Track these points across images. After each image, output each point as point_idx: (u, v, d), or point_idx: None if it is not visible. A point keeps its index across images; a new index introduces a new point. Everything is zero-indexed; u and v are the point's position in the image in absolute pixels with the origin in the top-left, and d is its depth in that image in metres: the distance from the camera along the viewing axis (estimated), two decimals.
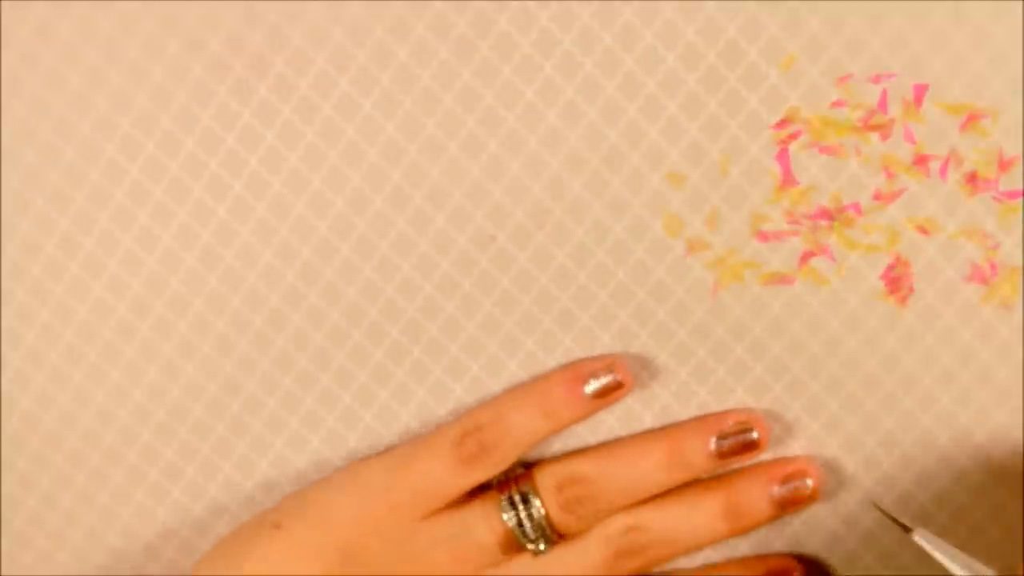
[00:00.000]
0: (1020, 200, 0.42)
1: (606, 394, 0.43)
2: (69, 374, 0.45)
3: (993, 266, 0.42)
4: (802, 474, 0.44)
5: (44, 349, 0.45)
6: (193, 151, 0.43)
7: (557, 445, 0.45)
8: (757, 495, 0.44)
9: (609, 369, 0.43)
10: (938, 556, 0.39)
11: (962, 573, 0.39)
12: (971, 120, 0.41)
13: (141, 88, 0.42)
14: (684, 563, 0.46)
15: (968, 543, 0.46)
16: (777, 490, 0.44)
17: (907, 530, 0.41)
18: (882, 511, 0.44)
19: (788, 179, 0.42)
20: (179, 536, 0.47)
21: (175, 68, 0.42)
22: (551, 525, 0.43)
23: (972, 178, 0.41)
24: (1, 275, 0.44)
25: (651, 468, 0.44)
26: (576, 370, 0.44)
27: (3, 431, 0.46)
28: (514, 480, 0.44)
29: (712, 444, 0.44)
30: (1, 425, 0.46)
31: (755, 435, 0.44)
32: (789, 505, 0.44)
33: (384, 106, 0.42)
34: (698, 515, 0.44)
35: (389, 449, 0.45)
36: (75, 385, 0.45)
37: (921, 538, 0.40)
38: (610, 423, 0.45)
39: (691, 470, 0.44)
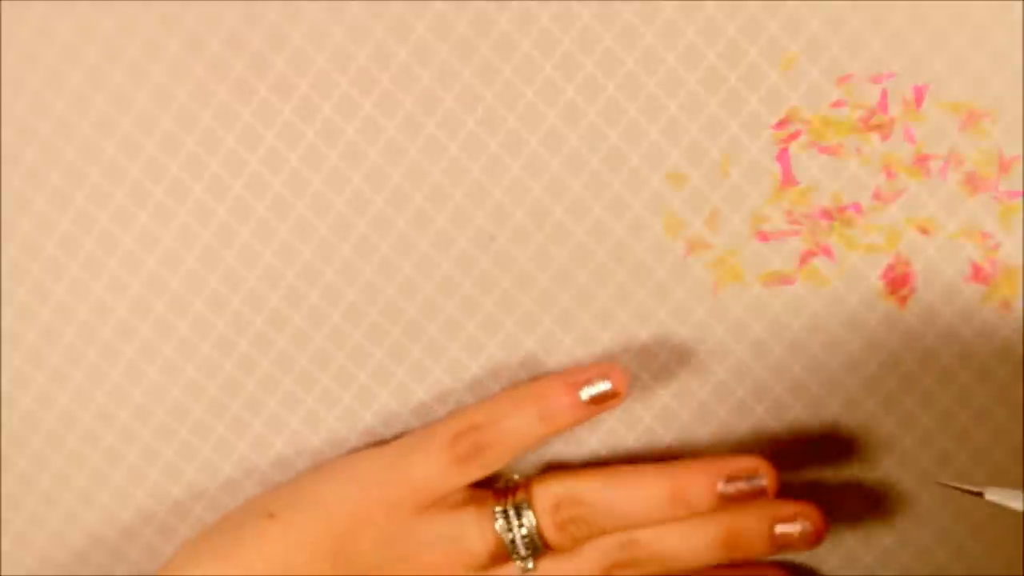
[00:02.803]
0: (1020, 200, 0.42)
1: (601, 401, 0.43)
2: (69, 374, 0.45)
3: (993, 266, 0.42)
4: (805, 517, 0.44)
5: (44, 349, 0.45)
6: (193, 151, 0.43)
7: (557, 445, 0.46)
8: (757, 530, 0.43)
9: (604, 376, 0.43)
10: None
11: None
12: (971, 120, 0.41)
13: (141, 88, 0.42)
14: None
15: (968, 543, 0.46)
16: (778, 529, 0.43)
17: (979, 494, 0.39)
18: (947, 485, 0.42)
19: (788, 179, 0.42)
20: (179, 536, 0.47)
21: (175, 68, 0.42)
22: (543, 541, 0.43)
23: (972, 178, 0.41)
24: (1, 275, 0.44)
25: (652, 502, 0.43)
26: (573, 376, 0.43)
27: (3, 431, 0.46)
28: (511, 491, 0.44)
29: (719, 486, 0.43)
30: (1, 425, 0.46)
31: (764, 482, 0.42)
32: (786, 546, 0.43)
33: (384, 106, 0.42)
34: (696, 539, 0.43)
35: (384, 443, 0.45)
36: (75, 385, 0.45)
37: (994, 496, 0.39)
38: (610, 423, 0.45)
39: (692, 509, 0.43)
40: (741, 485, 0.43)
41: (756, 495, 0.43)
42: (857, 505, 0.46)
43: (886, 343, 0.43)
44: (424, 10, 0.41)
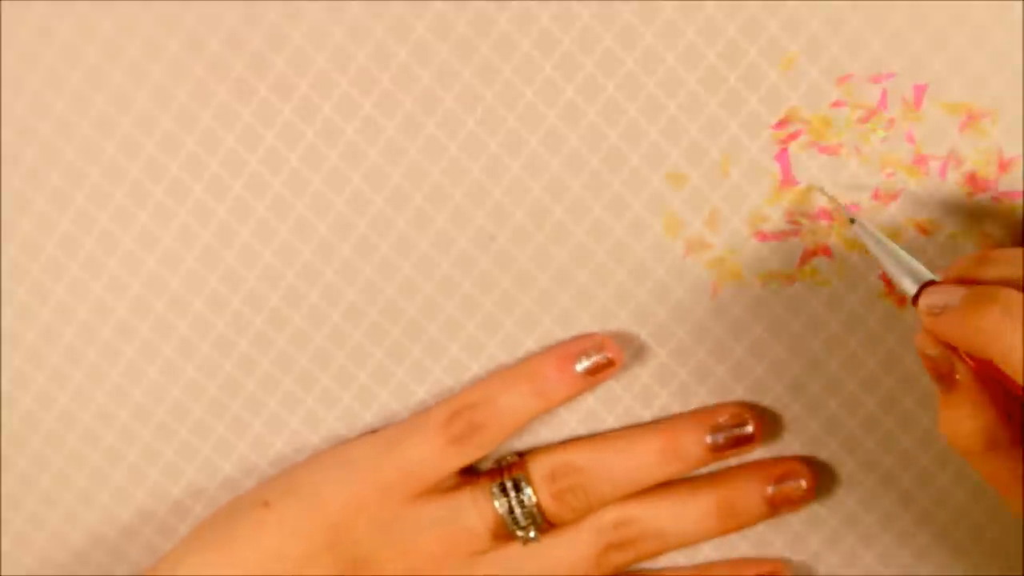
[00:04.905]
0: (1020, 200, 0.42)
1: (597, 372, 0.43)
2: (69, 374, 0.45)
3: None
4: (795, 474, 0.44)
5: (44, 349, 0.45)
6: (193, 151, 0.43)
7: (552, 436, 0.46)
8: (750, 494, 0.44)
9: (599, 347, 0.43)
10: (872, 246, 0.39)
11: (894, 269, 0.39)
12: (971, 120, 0.41)
13: (141, 88, 0.42)
14: (681, 560, 0.46)
15: (968, 543, 0.46)
16: (770, 489, 0.44)
17: (851, 221, 0.40)
18: (827, 195, 0.42)
19: (788, 179, 0.42)
20: (179, 535, 0.47)
21: (175, 68, 0.42)
22: (542, 514, 0.43)
23: (972, 178, 0.41)
24: (1, 275, 0.44)
25: (645, 460, 0.44)
26: (566, 349, 0.44)
27: (3, 431, 0.46)
28: (507, 467, 0.44)
29: (707, 437, 0.44)
30: (1, 425, 0.46)
31: (749, 429, 0.44)
32: (782, 505, 0.44)
33: (384, 106, 0.42)
34: (690, 512, 0.44)
35: (378, 430, 0.45)
36: (75, 385, 0.45)
37: (860, 228, 0.40)
38: (609, 422, 0.45)
39: (685, 463, 0.44)
40: (729, 433, 0.44)
41: (744, 442, 0.44)
42: (856, 505, 0.46)
43: (886, 343, 0.43)
44: (424, 10, 0.41)
